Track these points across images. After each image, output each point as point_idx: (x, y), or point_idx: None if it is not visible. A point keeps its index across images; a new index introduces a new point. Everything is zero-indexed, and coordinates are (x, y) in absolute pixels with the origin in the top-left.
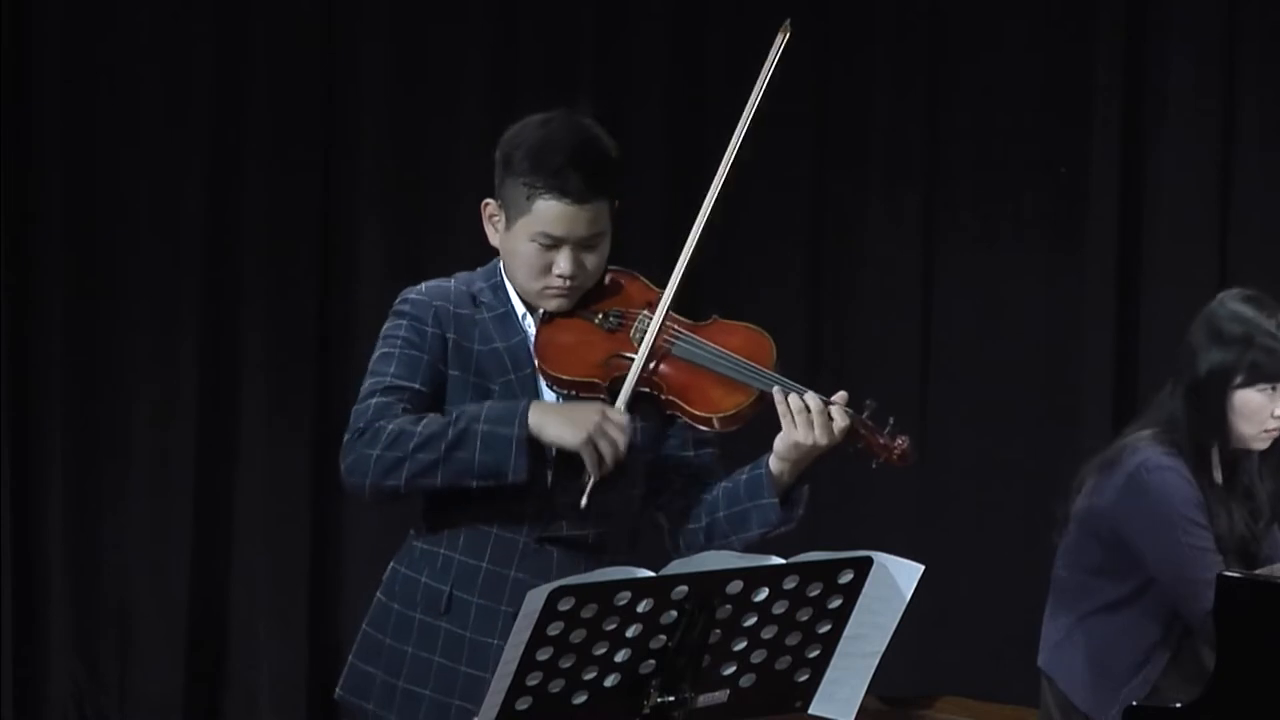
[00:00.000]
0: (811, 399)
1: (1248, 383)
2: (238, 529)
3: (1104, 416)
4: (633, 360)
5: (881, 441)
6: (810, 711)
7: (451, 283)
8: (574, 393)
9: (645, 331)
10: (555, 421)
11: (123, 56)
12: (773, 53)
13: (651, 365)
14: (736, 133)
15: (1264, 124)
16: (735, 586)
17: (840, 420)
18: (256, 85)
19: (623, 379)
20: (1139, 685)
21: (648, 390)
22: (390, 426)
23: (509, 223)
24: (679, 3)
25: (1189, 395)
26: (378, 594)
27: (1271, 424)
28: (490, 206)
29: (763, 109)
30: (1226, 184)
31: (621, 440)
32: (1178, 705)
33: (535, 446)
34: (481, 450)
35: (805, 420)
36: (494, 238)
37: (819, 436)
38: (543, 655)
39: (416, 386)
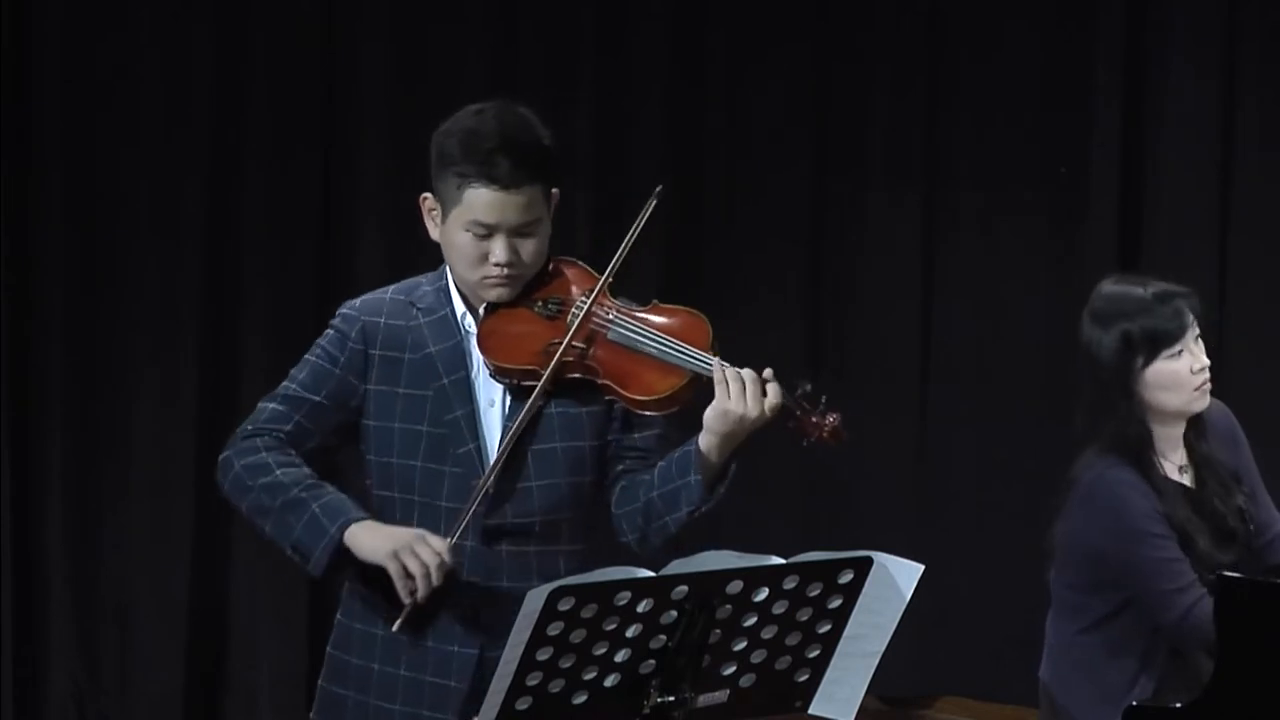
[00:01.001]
0: (747, 371)
1: (1151, 357)
2: (237, 529)
3: None
4: (572, 346)
5: (814, 420)
6: (810, 711)
7: (389, 293)
8: (516, 381)
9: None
10: (370, 536)
11: (123, 56)
12: (643, 213)
13: (588, 350)
14: (605, 274)
15: (1264, 124)
16: (735, 586)
17: (773, 396)
18: (256, 85)
19: (562, 365)
20: (1138, 695)
21: (585, 375)
22: (263, 452)
23: (444, 215)
24: (679, 3)
25: (1104, 397)
26: (337, 616)
27: (1196, 380)
28: (428, 200)
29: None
30: (1226, 184)
31: (433, 561)
32: (1178, 705)
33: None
34: (303, 528)
35: (739, 389)
36: (433, 231)
37: (750, 408)
38: (543, 655)
39: (318, 399)
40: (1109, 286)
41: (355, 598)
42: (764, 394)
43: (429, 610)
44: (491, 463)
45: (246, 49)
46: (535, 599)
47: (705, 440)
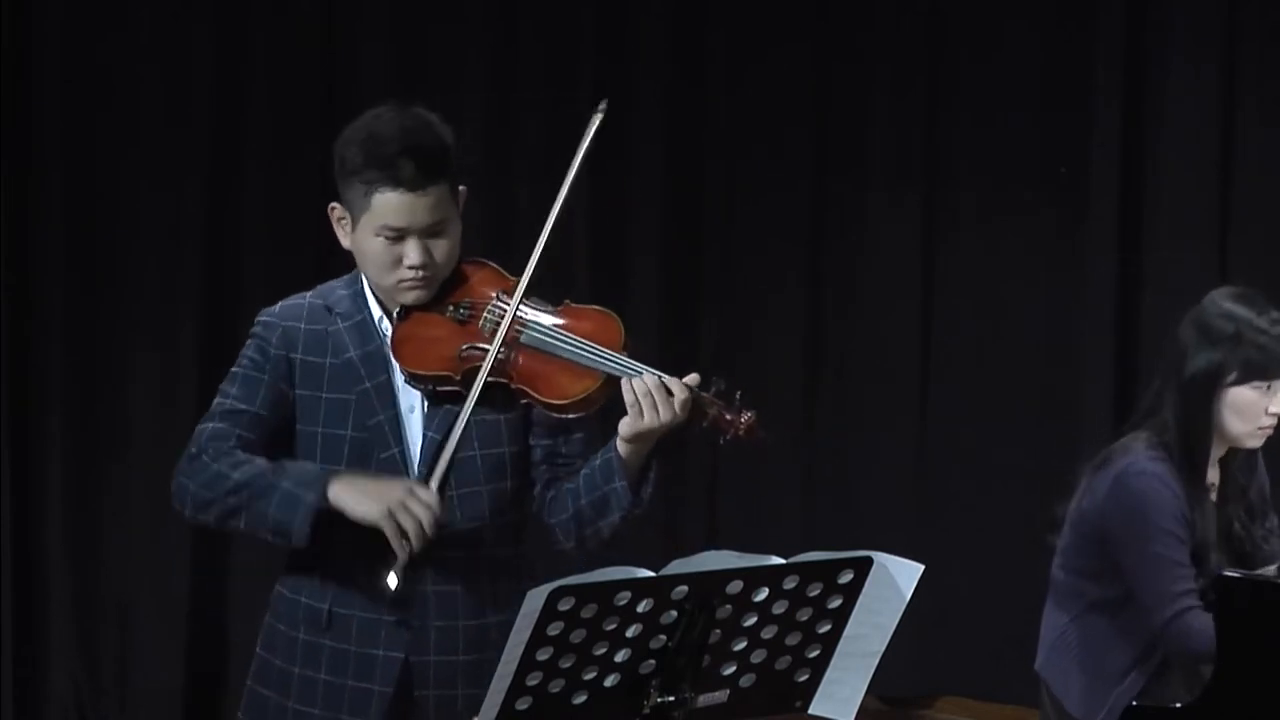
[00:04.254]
0: (650, 380)
1: (1241, 380)
2: None
3: (1104, 416)
4: (483, 350)
5: (729, 417)
6: (810, 711)
7: (306, 299)
8: (431, 387)
9: (495, 321)
10: (356, 495)
11: (123, 56)
12: (588, 133)
13: (502, 354)
14: (557, 204)
15: (1264, 124)
16: (735, 586)
17: (680, 393)
18: (256, 85)
19: (474, 370)
20: (1128, 689)
21: (500, 380)
22: (213, 466)
23: (354, 222)
24: (679, 3)
25: (1180, 395)
26: (266, 617)
27: (1266, 421)
28: (336, 209)
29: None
30: (1226, 184)
31: (426, 516)
32: (1178, 705)
33: (336, 514)
34: (277, 506)
35: (650, 404)
36: (344, 240)
37: (662, 416)
38: (543, 655)
39: (254, 410)
40: (1226, 303)
41: (281, 600)
42: (670, 394)
43: (354, 611)
44: (415, 468)
45: (246, 49)
46: (535, 599)
47: (622, 448)
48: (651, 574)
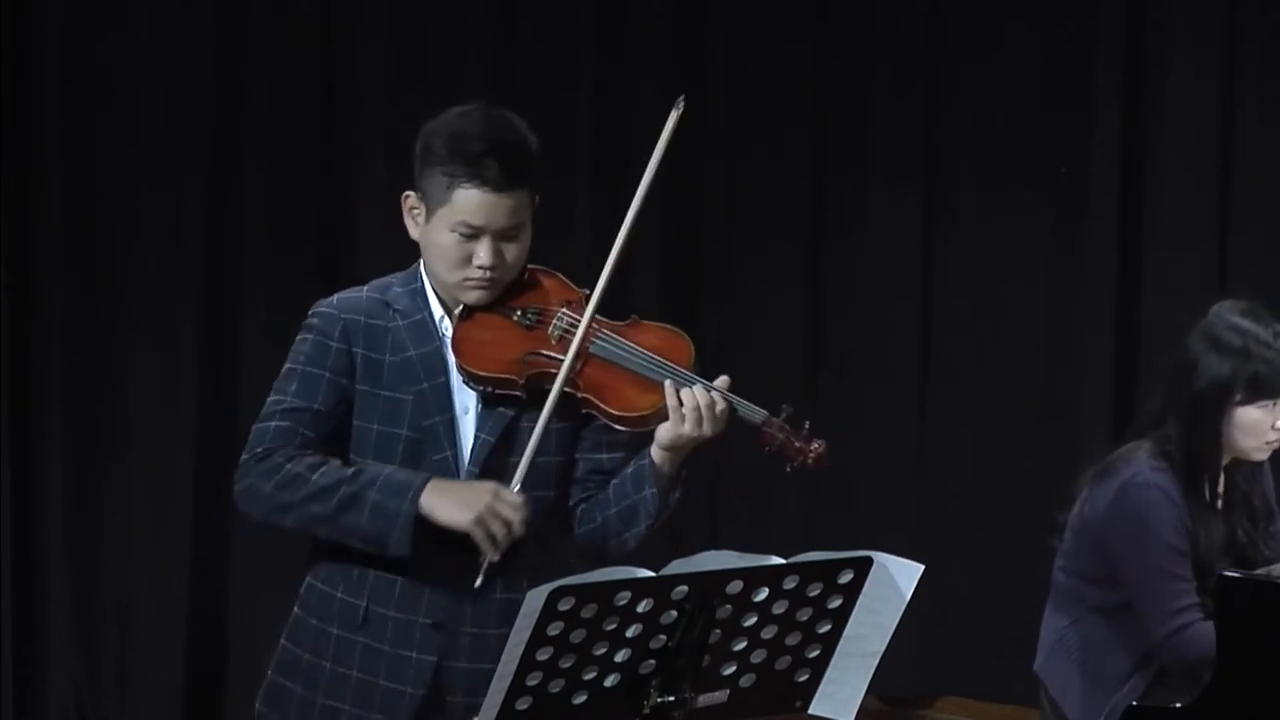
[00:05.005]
0: (700, 394)
1: (1247, 399)
2: (237, 529)
3: (1103, 417)
4: (550, 358)
5: (797, 445)
6: (810, 711)
7: (364, 292)
8: (490, 389)
9: (563, 329)
10: (446, 502)
11: (123, 56)
12: (666, 131)
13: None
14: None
15: (1264, 124)
16: (735, 586)
17: (720, 403)
18: (256, 85)
19: (539, 376)
20: (1127, 694)
21: (565, 388)
22: (287, 466)
23: (429, 214)
24: (679, 3)
25: (1186, 410)
26: (295, 608)
27: (1272, 436)
28: (410, 199)
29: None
30: (1226, 184)
31: (515, 519)
32: (1178, 705)
33: (424, 522)
34: (369, 519)
35: (695, 415)
36: (414, 231)
37: (705, 428)
38: (543, 655)
39: (315, 407)
40: (1233, 317)
41: (314, 593)
42: (713, 404)
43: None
44: (465, 470)
45: (246, 49)
46: (535, 599)
47: (658, 455)
48: (651, 574)
